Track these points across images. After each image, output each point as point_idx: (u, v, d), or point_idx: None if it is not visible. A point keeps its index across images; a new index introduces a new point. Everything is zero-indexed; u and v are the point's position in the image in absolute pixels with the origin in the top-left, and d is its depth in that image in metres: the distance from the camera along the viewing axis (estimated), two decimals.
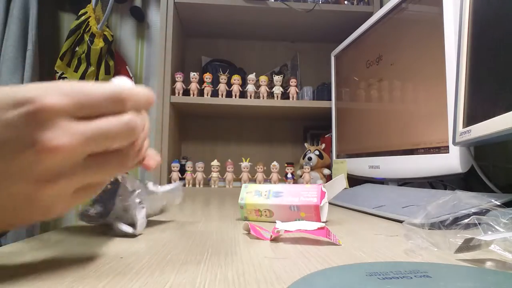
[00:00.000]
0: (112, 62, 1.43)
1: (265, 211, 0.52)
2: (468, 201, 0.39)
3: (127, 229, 0.39)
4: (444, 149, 0.64)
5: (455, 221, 0.36)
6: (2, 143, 0.20)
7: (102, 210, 0.41)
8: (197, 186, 1.21)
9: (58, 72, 1.39)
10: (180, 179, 1.22)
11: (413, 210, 0.54)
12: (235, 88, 1.25)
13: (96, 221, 0.43)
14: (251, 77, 1.27)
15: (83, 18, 1.38)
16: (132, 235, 0.40)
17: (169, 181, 1.22)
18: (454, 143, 0.56)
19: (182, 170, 1.22)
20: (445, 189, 0.78)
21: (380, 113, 0.89)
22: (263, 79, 1.27)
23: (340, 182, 0.55)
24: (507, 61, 0.46)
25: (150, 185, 0.45)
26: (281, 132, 1.60)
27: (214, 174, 1.22)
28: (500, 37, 0.48)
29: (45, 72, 1.48)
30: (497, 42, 0.49)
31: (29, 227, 1.39)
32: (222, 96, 1.25)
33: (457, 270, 0.24)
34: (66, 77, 1.39)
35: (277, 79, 1.28)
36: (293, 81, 1.28)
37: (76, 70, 1.39)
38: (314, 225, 0.38)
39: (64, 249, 0.34)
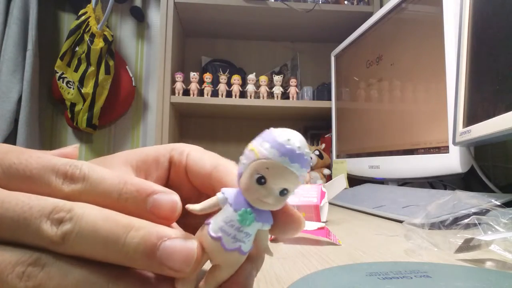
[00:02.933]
0: (112, 62, 1.43)
1: None
2: (468, 201, 0.39)
3: None
4: (444, 149, 0.64)
5: (455, 221, 0.36)
6: None
7: None
8: None
9: (58, 72, 1.39)
10: None
11: (413, 210, 0.54)
12: (235, 88, 1.25)
13: None
14: (251, 77, 1.27)
15: (83, 18, 1.38)
16: None
17: None
18: (454, 143, 0.56)
19: None
20: (445, 189, 0.78)
21: (380, 113, 0.89)
22: (263, 79, 1.27)
23: (340, 182, 0.55)
24: (507, 61, 0.46)
25: None
26: None
27: None
28: (500, 37, 0.48)
29: (45, 72, 1.48)
30: (497, 42, 0.49)
31: None
32: (222, 96, 1.25)
33: (457, 270, 0.24)
34: (66, 77, 1.39)
35: (277, 79, 1.28)
36: (293, 81, 1.28)
37: (76, 70, 1.39)
38: (314, 225, 0.38)
39: None
